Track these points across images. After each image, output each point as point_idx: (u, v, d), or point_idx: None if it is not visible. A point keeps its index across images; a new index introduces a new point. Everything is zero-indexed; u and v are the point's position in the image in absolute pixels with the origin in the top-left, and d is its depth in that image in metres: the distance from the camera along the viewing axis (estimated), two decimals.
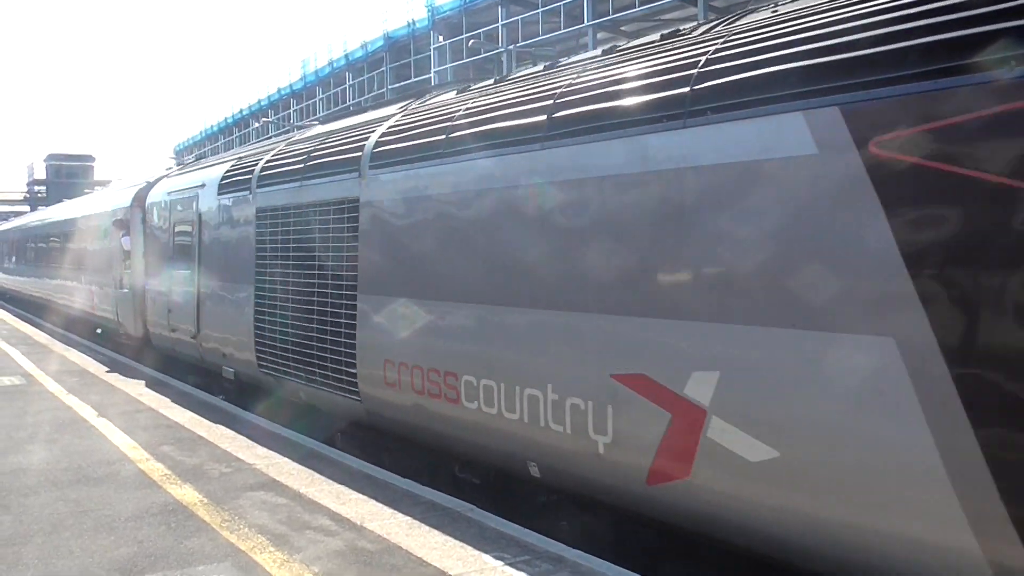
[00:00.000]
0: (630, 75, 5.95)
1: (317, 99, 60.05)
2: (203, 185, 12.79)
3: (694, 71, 5.32)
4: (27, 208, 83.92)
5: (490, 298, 6.77)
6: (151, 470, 7.75)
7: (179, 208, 13.53)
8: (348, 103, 54.73)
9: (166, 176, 16.25)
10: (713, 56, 5.32)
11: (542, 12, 38.91)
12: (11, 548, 5.76)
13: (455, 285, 7.18)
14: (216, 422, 9.81)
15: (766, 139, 4.77)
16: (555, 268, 6.15)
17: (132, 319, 15.29)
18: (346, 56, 55.04)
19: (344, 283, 8.65)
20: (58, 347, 17.58)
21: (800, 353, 4.57)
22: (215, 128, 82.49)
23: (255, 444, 8.74)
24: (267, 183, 10.62)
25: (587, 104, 6.08)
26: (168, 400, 11.23)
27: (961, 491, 3.93)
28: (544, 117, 6.39)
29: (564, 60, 7.86)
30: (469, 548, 5.70)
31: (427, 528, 6.08)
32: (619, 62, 6.38)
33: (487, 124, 7.03)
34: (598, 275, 5.82)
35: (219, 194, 12.01)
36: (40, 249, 27.36)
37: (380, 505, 6.67)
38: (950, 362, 3.95)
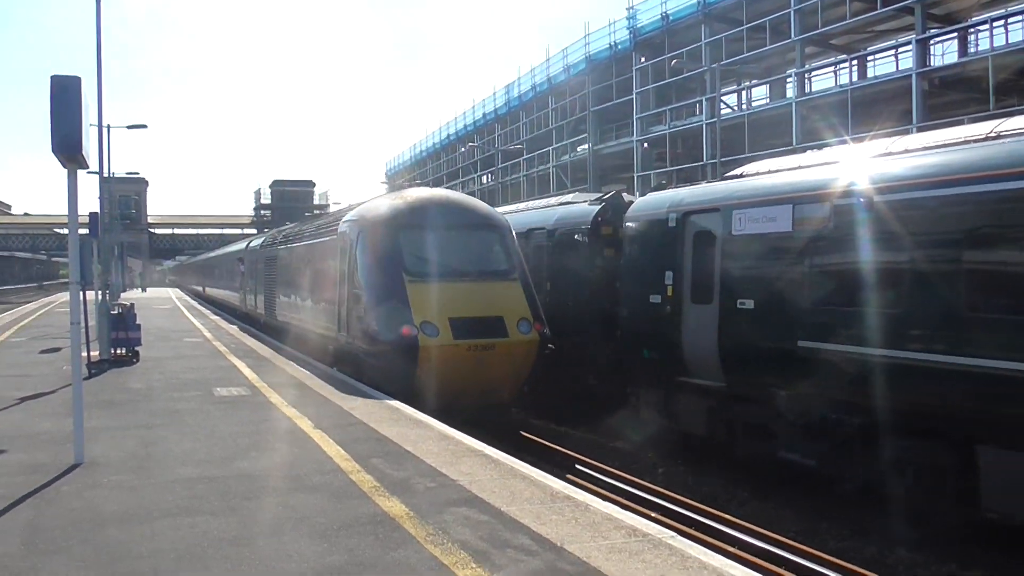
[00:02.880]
0: (301, 228, 24.63)
1: (520, 123, 61.17)
2: (260, 243, 30.97)
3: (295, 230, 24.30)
4: (255, 230, 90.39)
5: (278, 291, 25.54)
6: (361, 481, 8.09)
7: (250, 254, 32.57)
8: (550, 126, 55.54)
9: (255, 237, 38.39)
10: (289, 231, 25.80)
11: (747, 29, 37.91)
12: (236, 548, 6.16)
13: (286, 286, 24.57)
14: (423, 437, 10.13)
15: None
16: (290, 280, 23.90)
17: (247, 304, 32.74)
18: (549, 79, 55.74)
19: (272, 285, 26.46)
20: (280, 361, 18.74)
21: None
22: (423, 152, 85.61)
23: (458, 460, 8.95)
24: (264, 247, 29.48)
25: (293, 238, 24.63)
26: (378, 414, 11.71)
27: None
28: (280, 238, 27.38)
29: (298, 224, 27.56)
30: None
31: (627, 554, 5.99)
32: (310, 223, 24.99)
33: (281, 242, 26.64)
34: (296, 284, 22.86)
35: (260, 248, 30.18)
36: (218, 270, 49.79)
37: (580, 527, 6.65)
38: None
